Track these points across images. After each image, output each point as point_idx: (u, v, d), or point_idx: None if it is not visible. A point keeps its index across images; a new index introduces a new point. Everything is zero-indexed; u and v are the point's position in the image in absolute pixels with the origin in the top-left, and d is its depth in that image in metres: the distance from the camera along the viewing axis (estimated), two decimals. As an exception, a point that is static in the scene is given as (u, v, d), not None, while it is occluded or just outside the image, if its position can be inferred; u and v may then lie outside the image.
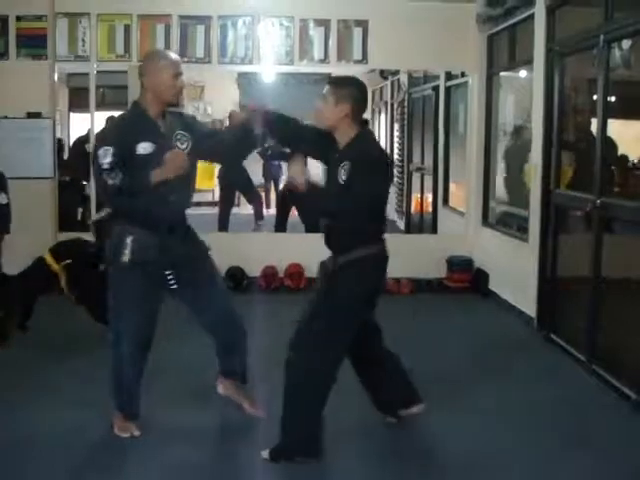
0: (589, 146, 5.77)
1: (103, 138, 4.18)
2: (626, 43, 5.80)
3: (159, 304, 4.26)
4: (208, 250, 4.40)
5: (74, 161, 10.55)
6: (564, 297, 6.44)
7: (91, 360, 5.40)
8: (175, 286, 4.23)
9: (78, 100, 12.71)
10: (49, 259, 6.16)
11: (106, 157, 3.93)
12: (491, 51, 8.32)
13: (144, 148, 4.01)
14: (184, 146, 4.16)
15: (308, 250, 8.23)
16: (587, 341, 5.69)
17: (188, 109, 15.43)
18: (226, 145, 4.39)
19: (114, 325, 4.20)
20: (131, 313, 4.13)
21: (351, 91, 3.96)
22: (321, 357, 3.92)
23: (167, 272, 4.18)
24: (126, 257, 4.04)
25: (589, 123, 6.30)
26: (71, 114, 14.12)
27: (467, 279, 8.31)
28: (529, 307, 6.87)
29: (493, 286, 8.04)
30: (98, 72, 8.36)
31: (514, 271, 7.38)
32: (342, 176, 3.86)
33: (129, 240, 4.04)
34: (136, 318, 4.14)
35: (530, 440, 4.37)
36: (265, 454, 4.02)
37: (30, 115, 8.06)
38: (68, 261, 6.12)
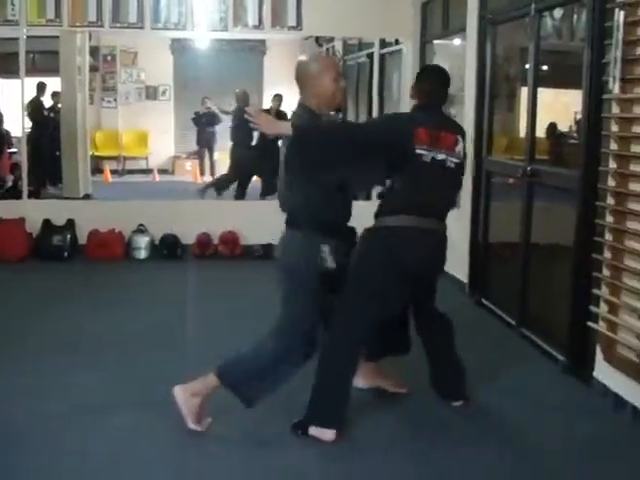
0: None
1: None
2: (557, 12, 5.89)
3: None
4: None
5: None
6: (495, 263, 6.57)
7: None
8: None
9: (7, 66, 12.42)
10: None
11: None
12: (425, 19, 8.36)
13: None
14: None
15: (242, 218, 8.33)
16: (517, 306, 5.82)
17: (121, 75, 15.30)
18: None
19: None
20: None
21: None
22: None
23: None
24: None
25: (520, 91, 6.41)
26: (0, 80, 13.85)
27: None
28: (461, 272, 6.97)
29: (426, 252, 8.09)
30: (28, 37, 8.15)
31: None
32: None
33: None
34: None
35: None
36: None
37: (-43, 81, 7.88)
38: None
